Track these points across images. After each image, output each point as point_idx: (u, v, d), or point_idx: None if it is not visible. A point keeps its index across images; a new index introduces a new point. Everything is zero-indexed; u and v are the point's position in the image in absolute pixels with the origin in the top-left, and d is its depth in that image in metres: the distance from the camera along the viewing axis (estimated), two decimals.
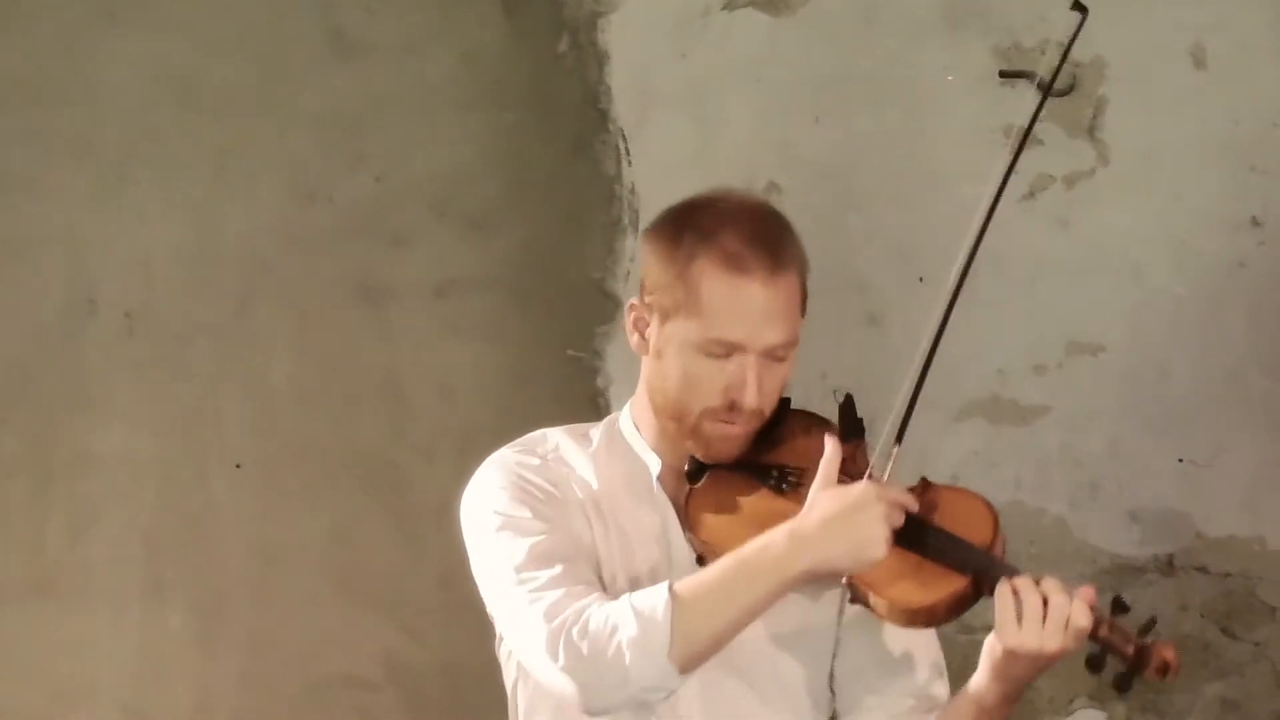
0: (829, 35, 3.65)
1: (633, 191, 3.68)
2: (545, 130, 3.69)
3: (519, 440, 2.52)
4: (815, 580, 2.32)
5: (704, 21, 3.67)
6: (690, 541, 2.43)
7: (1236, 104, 3.60)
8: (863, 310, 3.64)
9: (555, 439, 2.52)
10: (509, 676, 2.51)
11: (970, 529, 2.34)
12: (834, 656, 2.43)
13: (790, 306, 2.40)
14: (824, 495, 2.31)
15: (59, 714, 3.63)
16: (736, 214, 2.42)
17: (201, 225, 3.66)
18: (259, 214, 3.67)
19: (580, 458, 2.50)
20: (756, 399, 2.38)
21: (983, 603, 2.33)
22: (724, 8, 3.67)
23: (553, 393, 3.65)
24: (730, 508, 2.42)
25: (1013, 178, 2.50)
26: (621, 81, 3.68)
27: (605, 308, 3.67)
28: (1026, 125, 2.56)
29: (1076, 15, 2.53)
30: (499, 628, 2.46)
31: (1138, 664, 2.26)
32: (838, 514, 2.28)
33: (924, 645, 2.48)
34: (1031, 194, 3.59)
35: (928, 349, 2.40)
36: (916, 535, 2.32)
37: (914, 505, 2.33)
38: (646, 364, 2.47)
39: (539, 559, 2.36)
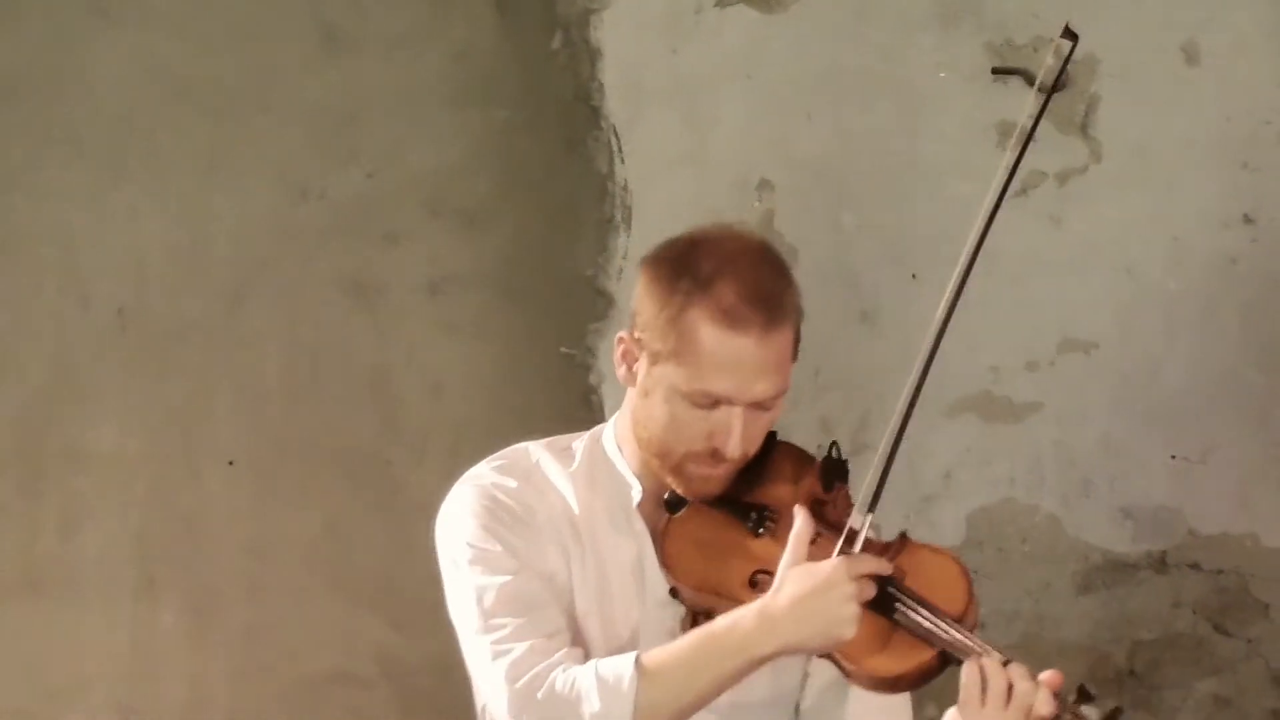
0: (821, 32, 3.65)
1: (625, 188, 3.68)
2: (537, 127, 3.68)
3: (499, 455, 2.50)
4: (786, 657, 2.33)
5: (696, 18, 3.66)
6: (665, 575, 2.42)
7: (1229, 101, 3.60)
8: (855, 307, 3.64)
9: (536, 455, 2.50)
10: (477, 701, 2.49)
11: (943, 596, 2.32)
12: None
13: (782, 360, 2.37)
14: (794, 574, 2.29)
15: (51, 711, 3.62)
16: (737, 261, 2.36)
17: (193, 222, 3.66)
18: (251, 211, 3.66)
19: (561, 477, 2.47)
20: (740, 449, 2.37)
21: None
22: (716, 4, 3.66)
23: (545, 390, 3.65)
24: (705, 544, 2.40)
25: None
26: (613, 78, 3.67)
27: (597, 305, 3.67)
28: (1028, 131, 2.53)
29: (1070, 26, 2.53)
30: (467, 665, 2.44)
31: None
32: (807, 594, 2.26)
33: (895, 710, 2.46)
34: (1024, 190, 3.58)
35: (915, 380, 2.37)
36: (888, 603, 2.30)
37: (887, 570, 2.31)
38: (633, 397, 2.44)
39: (507, 602, 2.35)
